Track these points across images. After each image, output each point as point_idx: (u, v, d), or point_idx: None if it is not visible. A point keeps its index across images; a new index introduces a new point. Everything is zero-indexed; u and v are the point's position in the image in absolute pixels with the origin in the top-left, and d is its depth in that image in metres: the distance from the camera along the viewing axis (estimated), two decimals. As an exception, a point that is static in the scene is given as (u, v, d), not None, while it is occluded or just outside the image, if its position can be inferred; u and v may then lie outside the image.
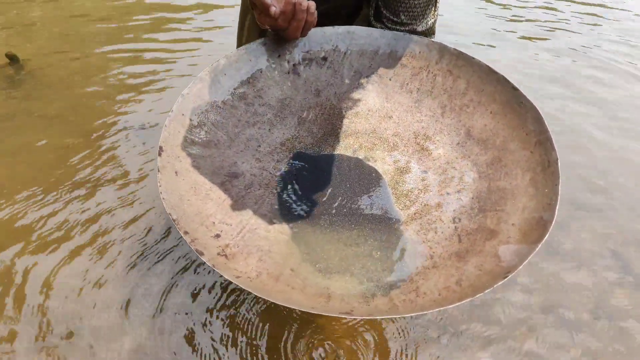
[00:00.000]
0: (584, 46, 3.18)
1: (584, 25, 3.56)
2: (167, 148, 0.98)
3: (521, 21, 3.57)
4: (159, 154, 0.96)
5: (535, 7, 3.88)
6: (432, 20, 1.21)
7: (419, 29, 1.19)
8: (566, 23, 3.58)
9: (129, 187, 1.76)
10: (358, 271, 0.90)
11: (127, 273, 1.44)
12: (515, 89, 1.08)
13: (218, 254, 0.87)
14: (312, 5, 1.05)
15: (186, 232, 0.86)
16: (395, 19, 1.19)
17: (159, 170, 0.93)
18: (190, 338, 1.28)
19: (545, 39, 3.30)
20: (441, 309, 0.78)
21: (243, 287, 0.78)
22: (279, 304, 0.77)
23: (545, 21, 3.59)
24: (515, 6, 3.87)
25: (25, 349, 1.24)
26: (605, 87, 2.71)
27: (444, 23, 3.11)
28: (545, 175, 0.96)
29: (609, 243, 1.67)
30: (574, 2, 4.02)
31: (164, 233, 1.57)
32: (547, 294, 1.48)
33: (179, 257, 1.50)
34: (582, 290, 1.50)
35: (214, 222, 0.93)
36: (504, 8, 3.81)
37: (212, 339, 1.28)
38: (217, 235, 0.91)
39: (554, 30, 3.44)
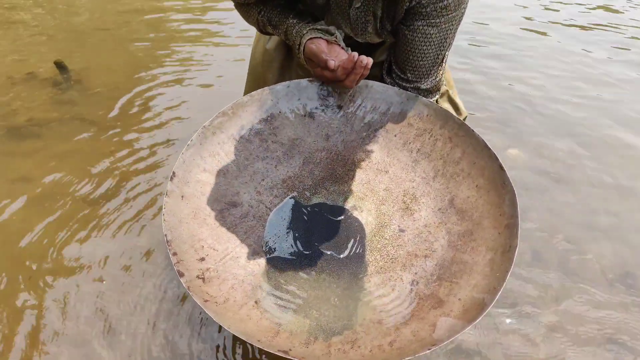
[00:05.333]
0: None
1: None
2: (180, 173, 1.15)
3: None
4: (171, 179, 1.13)
5: None
6: (437, 78, 1.30)
7: (423, 86, 1.29)
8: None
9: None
10: (312, 313, 1.04)
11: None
12: (502, 168, 1.15)
13: (197, 276, 1.03)
14: (370, 61, 1.15)
15: (175, 254, 1.03)
16: (402, 76, 1.29)
17: (167, 194, 1.10)
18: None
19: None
20: (362, 366, 0.90)
21: (206, 311, 0.94)
22: (231, 332, 0.92)
23: None
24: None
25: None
26: None
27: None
28: (503, 259, 1.05)
29: None
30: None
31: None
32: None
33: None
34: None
35: (203, 246, 1.10)
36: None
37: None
38: (202, 259, 1.07)
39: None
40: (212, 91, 2.66)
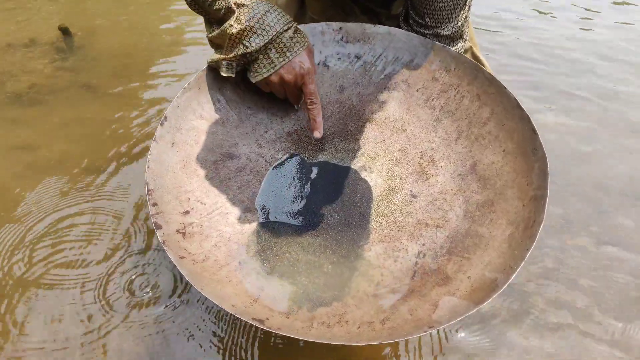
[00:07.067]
0: None
1: None
2: (172, 118, 1.05)
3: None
4: (162, 124, 1.04)
5: None
6: (459, 23, 1.13)
7: (443, 32, 1.13)
8: None
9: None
10: (300, 279, 0.93)
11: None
12: (534, 132, 1.00)
13: (177, 230, 0.94)
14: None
15: (155, 204, 0.94)
16: (420, 21, 1.14)
17: (155, 139, 1.01)
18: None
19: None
20: (346, 344, 0.79)
21: (179, 269, 0.85)
22: (203, 294, 0.83)
23: None
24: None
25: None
26: None
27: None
28: (524, 236, 0.90)
29: None
30: None
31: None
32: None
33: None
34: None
35: (189, 199, 1.00)
36: None
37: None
38: (186, 212, 0.98)
39: None
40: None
